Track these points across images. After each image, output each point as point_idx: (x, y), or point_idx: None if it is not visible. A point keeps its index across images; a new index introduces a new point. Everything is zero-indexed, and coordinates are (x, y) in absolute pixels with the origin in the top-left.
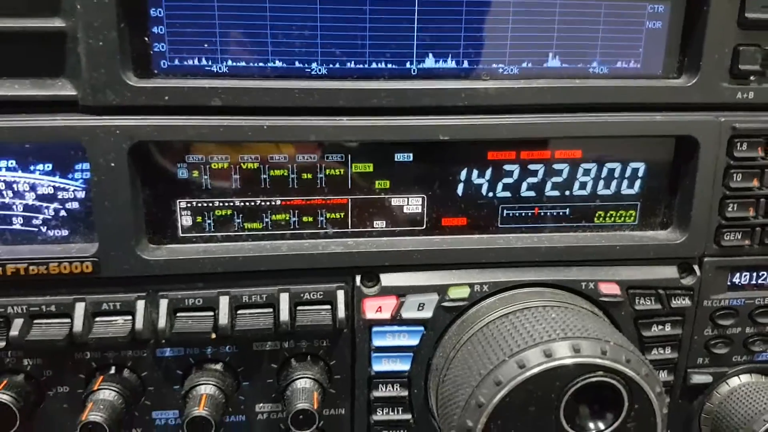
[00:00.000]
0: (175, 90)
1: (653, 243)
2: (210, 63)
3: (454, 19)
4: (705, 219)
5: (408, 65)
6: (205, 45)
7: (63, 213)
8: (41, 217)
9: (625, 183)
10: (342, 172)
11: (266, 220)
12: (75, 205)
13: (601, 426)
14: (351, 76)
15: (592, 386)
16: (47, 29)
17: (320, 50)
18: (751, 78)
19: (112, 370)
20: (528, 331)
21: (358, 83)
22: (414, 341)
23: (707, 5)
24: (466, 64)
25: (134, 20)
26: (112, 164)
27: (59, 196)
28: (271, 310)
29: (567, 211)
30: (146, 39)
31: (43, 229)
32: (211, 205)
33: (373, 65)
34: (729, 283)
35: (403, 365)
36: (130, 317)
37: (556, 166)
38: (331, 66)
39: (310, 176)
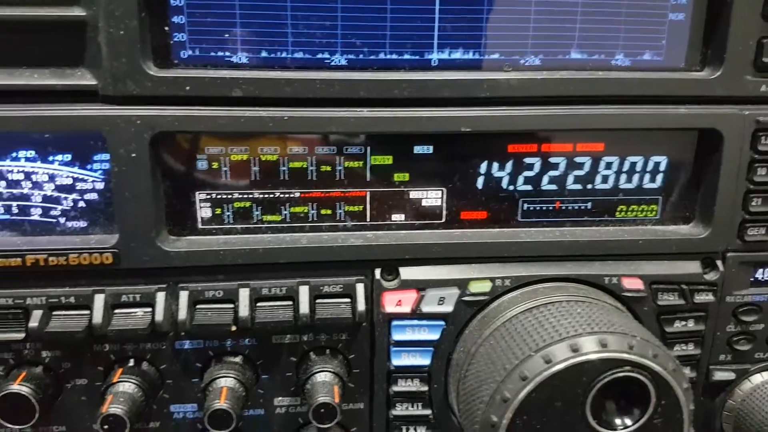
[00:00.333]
0: (196, 80)
1: (676, 237)
2: (230, 53)
3: (475, 10)
4: (728, 214)
5: (429, 56)
6: (226, 35)
7: (82, 204)
8: (60, 208)
9: (647, 177)
10: (361, 165)
11: (285, 212)
12: (94, 196)
13: (628, 422)
14: (371, 67)
15: (618, 381)
16: (67, 18)
17: (341, 41)
18: None
19: (131, 363)
20: (553, 326)
21: (379, 74)
22: (435, 336)
23: None
24: (487, 55)
25: (154, 9)
26: (133, 154)
27: (78, 187)
28: (290, 302)
29: (589, 204)
30: (166, 29)
31: (62, 220)
32: (230, 196)
33: (394, 56)
34: (752, 279)
35: (424, 360)
36: (149, 309)
37: (578, 159)
38: (351, 57)
39: (329, 168)
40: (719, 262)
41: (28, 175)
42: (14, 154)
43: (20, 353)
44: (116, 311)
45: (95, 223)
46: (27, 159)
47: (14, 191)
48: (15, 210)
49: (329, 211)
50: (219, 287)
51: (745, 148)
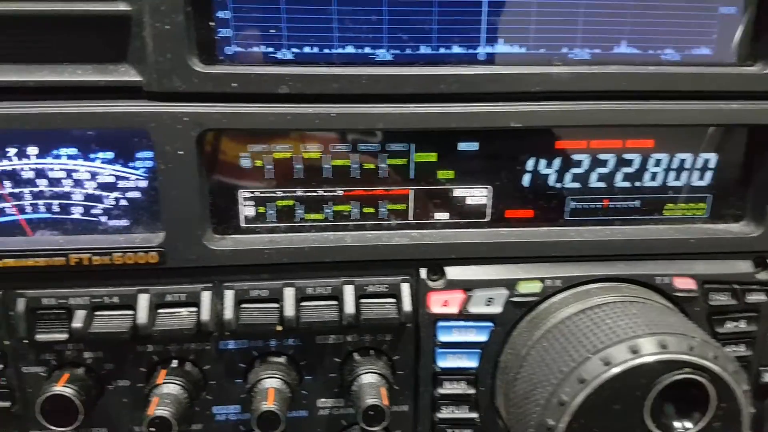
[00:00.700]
0: (243, 77)
1: (727, 236)
2: (274, 49)
3: (524, 3)
4: None
5: (476, 50)
6: (271, 31)
7: (124, 202)
8: (101, 206)
9: (696, 174)
10: (405, 162)
11: (328, 210)
12: (136, 194)
13: (688, 425)
14: (418, 62)
15: (677, 384)
16: (112, 13)
17: (387, 35)
18: None
19: (174, 364)
20: (610, 327)
21: (426, 69)
22: (482, 337)
23: None
24: (535, 50)
25: (200, 4)
26: (180, 152)
27: (120, 185)
28: (335, 302)
29: (637, 202)
30: (211, 24)
31: (104, 218)
32: (273, 195)
33: (441, 50)
34: None
35: (471, 362)
36: (195, 309)
37: (627, 156)
38: (397, 52)
39: (372, 166)
40: None
41: (69, 173)
42: (55, 152)
43: (62, 354)
44: (160, 311)
45: (138, 221)
46: (69, 157)
47: (55, 189)
48: (56, 208)
49: (372, 210)
50: (264, 286)
51: None
